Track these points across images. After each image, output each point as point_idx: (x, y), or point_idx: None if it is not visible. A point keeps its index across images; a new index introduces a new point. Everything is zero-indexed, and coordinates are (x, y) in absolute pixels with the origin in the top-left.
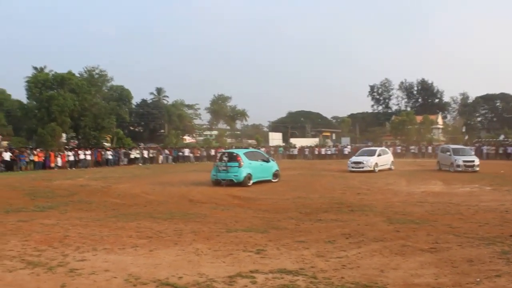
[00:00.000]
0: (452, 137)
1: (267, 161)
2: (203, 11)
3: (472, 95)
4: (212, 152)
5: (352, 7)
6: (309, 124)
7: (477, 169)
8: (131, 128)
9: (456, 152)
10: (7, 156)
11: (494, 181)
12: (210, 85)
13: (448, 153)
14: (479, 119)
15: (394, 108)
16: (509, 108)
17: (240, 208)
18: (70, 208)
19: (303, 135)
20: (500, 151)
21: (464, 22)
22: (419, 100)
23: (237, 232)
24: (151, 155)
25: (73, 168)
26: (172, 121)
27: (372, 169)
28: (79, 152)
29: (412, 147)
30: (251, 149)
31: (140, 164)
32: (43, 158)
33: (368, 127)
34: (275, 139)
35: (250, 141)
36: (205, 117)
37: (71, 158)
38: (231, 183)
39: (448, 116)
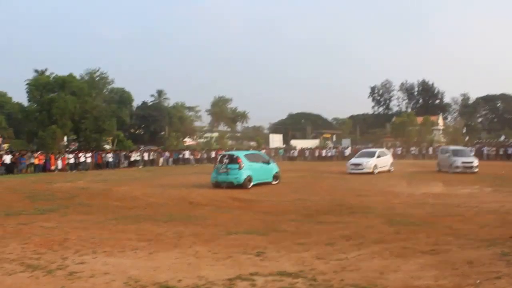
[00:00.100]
0: (452, 138)
1: (268, 163)
2: (203, 13)
3: (473, 96)
4: (213, 154)
5: (352, 8)
6: (310, 126)
7: (476, 170)
8: (132, 130)
9: (455, 153)
10: (7, 159)
11: (494, 182)
12: (211, 87)
13: (448, 154)
14: (479, 120)
15: (395, 109)
16: (510, 108)
17: (240, 211)
18: (70, 211)
19: (304, 137)
20: (501, 152)
21: (464, 22)
22: (420, 101)
23: (237, 234)
24: (151, 158)
25: (74, 171)
26: (173, 123)
27: (371, 171)
28: (80, 154)
29: (413, 148)
30: (251, 151)
31: (141, 167)
32: (44, 160)
33: (368, 129)
34: (276, 140)
35: (251, 143)
36: (205, 119)
37: (72, 160)
38: (231, 185)
39: (449, 117)
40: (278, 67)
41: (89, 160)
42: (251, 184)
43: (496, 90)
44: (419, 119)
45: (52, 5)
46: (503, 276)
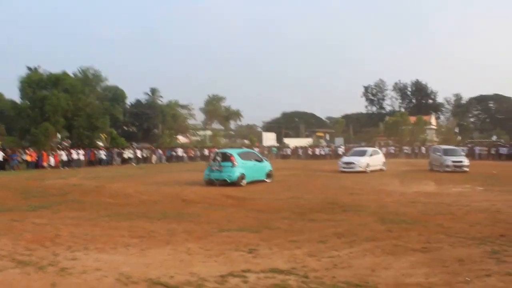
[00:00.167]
0: (445, 137)
1: (261, 161)
2: (198, 12)
3: (466, 96)
4: (206, 152)
5: (346, 9)
6: (303, 125)
7: (466, 169)
8: (125, 128)
9: (446, 152)
10: None
11: (486, 182)
12: (205, 85)
13: (439, 153)
14: (472, 120)
15: (388, 108)
16: (502, 109)
17: (233, 208)
18: (63, 208)
19: (297, 135)
20: (492, 152)
21: (459, 23)
22: (413, 101)
23: (230, 231)
24: (144, 155)
25: (66, 168)
26: (166, 121)
27: (363, 169)
28: (72, 151)
29: (406, 147)
30: (244, 149)
31: (134, 164)
32: (36, 157)
33: (362, 128)
34: (269, 139)
35: (246, 141)
36: (199, 117)
37: (64, 157)
38: (225, 183)
39: (442, 117)
40: (272, 66)
41: (82, 157)
42: (244, 182)
43: (488, 91)
44: (412, 119)
45: (46, 2)
46: (493, 274)
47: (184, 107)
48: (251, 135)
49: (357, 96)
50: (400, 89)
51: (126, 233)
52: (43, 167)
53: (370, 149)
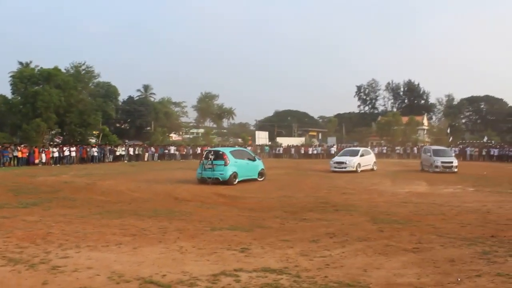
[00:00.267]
0: (437, 138)
1: (253, 159)
2: (192, 8)
3: (457, 97)
4: (198, 150)
5: (340, 9)
6: (296, 124)
7: (455, 170)
8: (117, 125)
9: (436, 153)
10: None
11: (477, 182)
12: (198, 83)
13: (429, 154)
14: (463, 120)
15: (381, 108)
16: (493, 110)
17: (225, 207)
18: (54, 205)
19: (290, 134)
20: (483, 153)
21: (451, 24)
22: (405, 101)
23: (222, 230)
24: (137, 152)
25: (58, 165)
26: (159, 119)
27: (354, 169)
28: (64, 148)
29: (398, 147)
30: (237, 148)
31: (126, 161)
32: (27, 154)
33: (354, 127)
34: (262, 138)
35: (240, 140)
36: (192, 115)
37: (56, 154)
38: (217, 181)
39: (434, 118)
40: (265, 65)
41: (73, 154)
42: (237, 180)
43: (480, 92)
44: (404, 119)
45: None
46: (483, 274)
47: (177, 104)
48: (243, 133)
49: (349, 96)
50: (393, 89)
51: (118, 231)
52: (34, 163)
53: (361, 149)
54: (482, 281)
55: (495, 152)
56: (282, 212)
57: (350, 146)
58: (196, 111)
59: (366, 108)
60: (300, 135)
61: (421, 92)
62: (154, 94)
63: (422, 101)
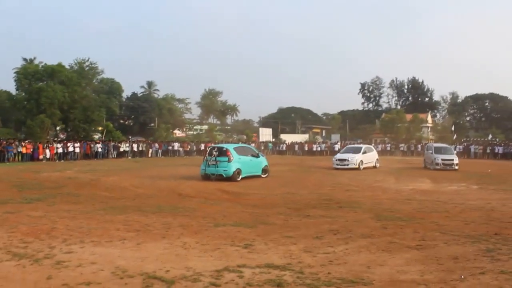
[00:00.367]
0: (441, 136)
1: (257, 156)
2: (196, 5)
3: (462, 94)
4: (202, 146)
5: (344, 6)
6: (299, 120)
7: (456, 167)
8: (121, 121)
9: (438, 150)
10: None
11: (481, 180)
12: (202, 80)
13: (430, 151)
14: (468, 118)
15: (385, 106)
16: (498, 108)
17: (229, 203)
18: (58, 200)
19: (293, 131)
20: (488, 151)
21: (455, 22)
22: (409, 98)
23: (225, 226)
24: (140, 149)
25: (62, 161)
26: (163, 115)
27: (357, 166)
28: (68, 144)
29: (401, 145)
30: (240, 144)
31: (130, 158)
32: (31, 150)
33: (358, 125)
34: (265, 134)
35: (245, 136)
36: (195, 112)
37: (60, 150)
38: (221, 178)
39: (438, 115)
40: (269, 62)
41: (77, 150)
42: (240, 177)
43: (484, 90)
44: (408, 116)
45: None
46: (487, 271)
47: (180, 101)
48: (247, 130)
49: (353, 93)
50: (397, 87)
51: (122, 227)
52: (38, 159)
53: (363, 146)
54: (486, 279)
55: (499, 150)
56: (285, 209)
57: (353, 143)
58: (199, 107)
59: (370, 105)
60: (303, 132)
61: (425, 89)
62: (158, 90)
63: (426, 99)
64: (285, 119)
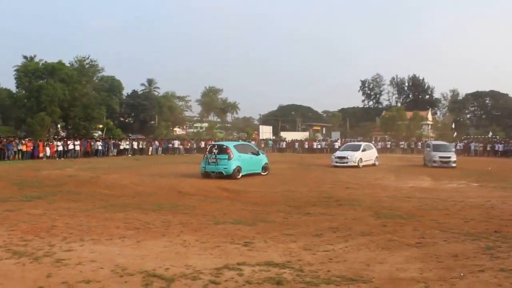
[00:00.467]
0: (441, 133)
1: (257, 154)
2: (197, 3)
3: (462, 92)
4: (202, 144)
5: (345, 4)
6: (300, 118)
7: (454, 165)
8: (121, 119)
9: (436, 148)
10: None
11: (481, 178)
12: (202, 77)
13: (429, 149)
14: (468, 116)
15: (385, 103)
16: (498, 105)
17: (228, 201)
18: (58, 198)
19: (294, 129)
20: (488, 148)
21: (456, 20)
22: (410, 96)
23: (225, 224)
24: (140, 146)
25: (62, 158)
26: (163, 113)
27: (356, 164)
28: (68, 142)
29: (402, 142)
30: (241, 142)
31: (130, 155)
32: (32, 147)
33: (358, 122)
34: (266, 132)
35: (246, 134)
36: (196, 109)
37: (60, 148)
38: (221, 176)
39: (438, 113)
40: (270, 60)
41: (77, 147)
42: (240, 174)
43: (485, 87)
44: (409, 114)
45: None
46: (486, 269)
47: (181, 98)
48: (247, 128)
49: (354, 91)
50: (397, 84)
51: (122, 225)
52: (38, 157)
53: (363, 144)
54: (485, 276)
55: (499, 147)
56: (285, 207)
57: (354, 141)
58: (200, 105)
59: (371, 103)
60: (304, 130)
61: (426, 87)
62: (158, 88)
63: (427, 96)
64: (285, 116)
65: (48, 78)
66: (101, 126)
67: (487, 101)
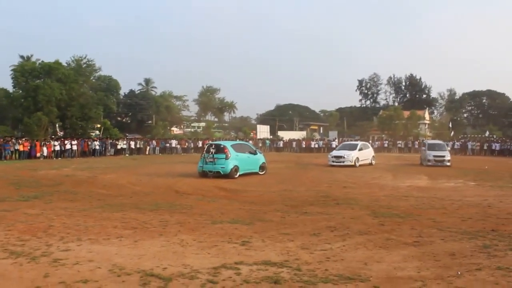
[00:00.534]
0: (438, 132)
1: (254, 153)
2: (194, 2)
3: (459, 91)
4: (200, 143)
5: (343, 3)
6: (297, 117)
7: (448, 164)
8: (119, 118)
9: (431, 147)
10: None
11: (478, 177)
12: (199, 77)
13: (424, 148)
14: (465, 115)
15: (382, 103)
16: (495, 105)
17: (226, 200)
18: (55, 198)
19: (291, 128)
20: (485, 147)
21: (453, 19)
22: (407, 95)
23: (223, 223)
24: (138, 146)
25: (59, 158)
26: (160, 112)
27: (352, 163)
28: (65, 142)
29: (399, 142)
30: (238, 141)
31: (127, 155)
32: (29, 147)
33: (355, 121)
34: (263, 131)
35: (243, 134)
36: (193, 109)
37: (57, 148)
38: (218, 175)
39: (435, 112)
40: (266, 59)
41: (75, 147)
42: (238, 174)
43: (482, 86)
44: (406, 113)
45: None
46: (483, 267)
47: (178, 98)
48: (245, 127)
49: (351, 90)
50: (394, 84)
51: (119, 224)
52: (36, 157)
53: (359, 143)
54: (482, 275)
55: (496, 146)
56: (283, 206)
57: (351, 140)
58: (197, 105)
59: (368, 102)
60: (301, 129)
61: (423, 86)
62: (155, 87)
63: (424, 96)
64: (282, 116)
65: (45, 77)
66: (98, 125)
67: (484, 101)
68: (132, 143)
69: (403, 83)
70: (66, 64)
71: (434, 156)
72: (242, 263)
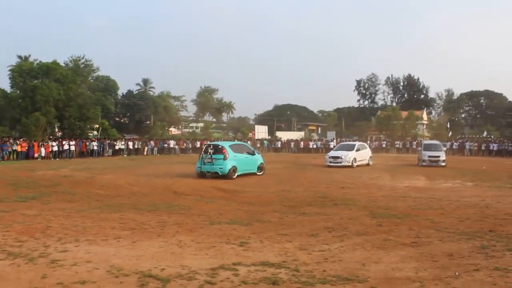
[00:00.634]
0: (436, 133)
1: (252, 154)
2: (193, 2)
3: (457, 91)
4: (198, 144)
5: (341, 3)
6: (295, 118)
7: (443, 164)
8: (117, 119)
9: (427, 147)
10: None
11: (476, 177)
12: (197, 77)
13: (420, 148)
14: (463, 115)
15: (380, 103)
16: (493, 105)
17: (224, 201)
18: (53, 199)
19: (289, 129)
20: (483, 148)
21: (451, 19)
22: (405, 95)
23: (221, 224)
24: (136, 147)
25: (57, 159)
26: (158, 113)
27: (350, 164)
28: (63, 142)
29: (397, 142)
30: (236, 142)
31: (125, 155)
32: (26, 148)
33: (354, 122)
34: (261, 132)
35: (241, 134)
36: (191, 109)
37: (55, 148)
38: (216, 176)
39: (433, 112)
40: (265, 60)
41: (73, 148)
42: (236, 174)
43: (479, 87)
44: (404, 113)
45: None
46: (481, 268)
47: (176, 98)
48: (243, 127)
49: (349, 90)
50: (392, 84)
51: (117, 225)
52: (33, 157)
53: (357, 144)
54: (480, 275)
55: (494, 147)
56: (281, 206)
57: (349, 141)
58: (195, 105)
59: (366, 102)
60: (299, 129)
61: (421, 86)
62: (153, 88)
63: (422, 96)
64: (280, 116)
65: (43, 78)
66: (96, 126)
67: (482, 101)
68: (130, 143)
69: (401, 83)
70: (64, 64)
71: (429, 156)
72: (240, 264)
